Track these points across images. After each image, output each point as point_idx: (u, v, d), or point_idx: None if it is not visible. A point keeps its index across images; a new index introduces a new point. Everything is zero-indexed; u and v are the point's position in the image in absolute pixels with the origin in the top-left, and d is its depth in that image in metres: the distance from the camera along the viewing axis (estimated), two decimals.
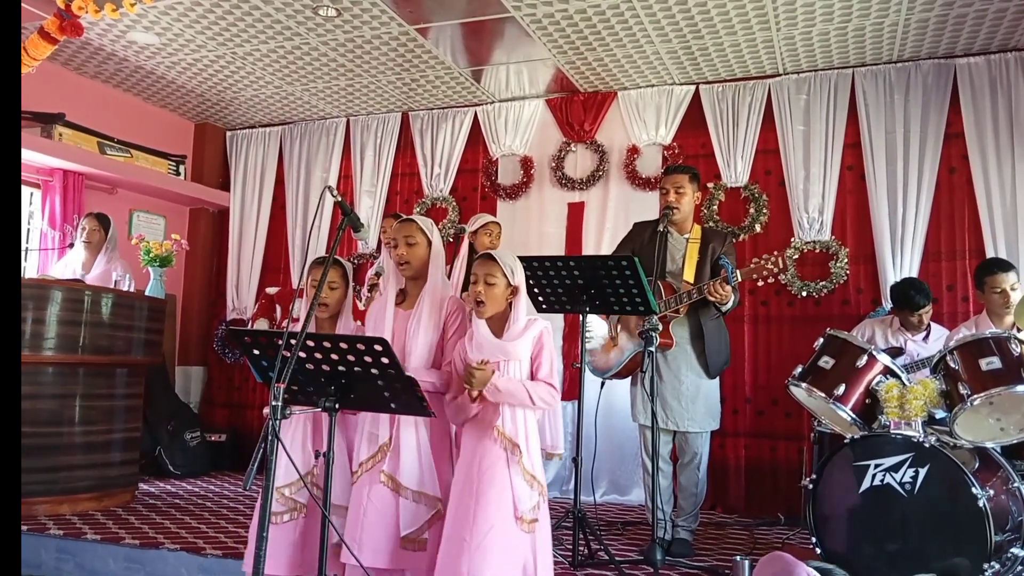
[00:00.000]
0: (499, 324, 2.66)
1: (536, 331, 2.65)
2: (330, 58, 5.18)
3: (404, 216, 2.90)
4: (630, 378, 3.88)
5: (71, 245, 4.99)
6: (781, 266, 3.55)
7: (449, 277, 4.67)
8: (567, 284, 3.36)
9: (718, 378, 3.82)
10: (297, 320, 2.93)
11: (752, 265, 3.61)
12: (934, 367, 3.27)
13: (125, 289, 4.60)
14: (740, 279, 3.57)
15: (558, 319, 5.39)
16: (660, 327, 3.37)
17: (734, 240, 5.09)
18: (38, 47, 3.81)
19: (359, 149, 6.25)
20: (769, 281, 3.63)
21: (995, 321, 3.87)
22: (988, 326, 3.82)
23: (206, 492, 5.12)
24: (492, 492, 2.50)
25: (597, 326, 3.93)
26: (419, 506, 2.65)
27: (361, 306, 4.34)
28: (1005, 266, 3.90)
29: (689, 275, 3.74)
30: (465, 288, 3.74)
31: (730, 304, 3.64)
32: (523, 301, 2.67)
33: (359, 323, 3.04)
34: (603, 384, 3.91)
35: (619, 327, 3.84)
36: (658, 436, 3.59)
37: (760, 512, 4.76)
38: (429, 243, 2.81)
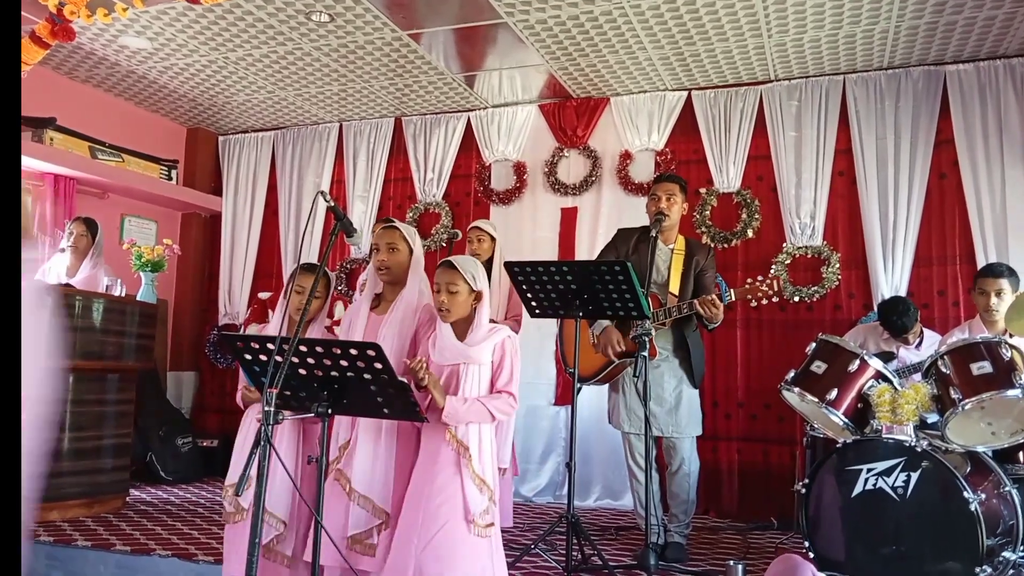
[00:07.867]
0: (464, 328, 2.70)
1: (499, 338, 2.68)
2: (323, 63, 5.18)
3: (389, 222, 2.94)
4: (608, 385, 3.88)
5: (62, 250, 4.96)
6: (776, 289, 3.56)
7: None
8: (560, 289, 3.36)
9: (698, 388, 3.83)
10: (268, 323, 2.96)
11: (747, 286, 3.62)
12: (925, 371, 3.28)
13: (117, 294, 4.58)
14: (734, 299, 3.61)
15: (551, 324, 5.38)
16: (653, 332, 3.38)
17: (725, 247, 5.15)
18: (29, 51, 3.80)
19: (352, 154, 6.24)
20: (763, 303, 3.63)
21: (987, 325, 3.85)
22: (981, 330, 3.82)
23: (198, 498, 5.09)
24: (442, 495, 2.53)
25: None
26: (365, 511, 2.66)
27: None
28: (997, 271, 3.84)
29: (674, 286, 3.75)
30: None
31: (718, 322, 3.65)
32: (486, 307, 2.70)
33: (330, 324, 3.08)
34: (579, 390, 3.87)
35: (600, 338, 3.77)
36: (643, 441, 3.60)
37: (753, 516, 4.75)
38: (411, 251, 2.87)
